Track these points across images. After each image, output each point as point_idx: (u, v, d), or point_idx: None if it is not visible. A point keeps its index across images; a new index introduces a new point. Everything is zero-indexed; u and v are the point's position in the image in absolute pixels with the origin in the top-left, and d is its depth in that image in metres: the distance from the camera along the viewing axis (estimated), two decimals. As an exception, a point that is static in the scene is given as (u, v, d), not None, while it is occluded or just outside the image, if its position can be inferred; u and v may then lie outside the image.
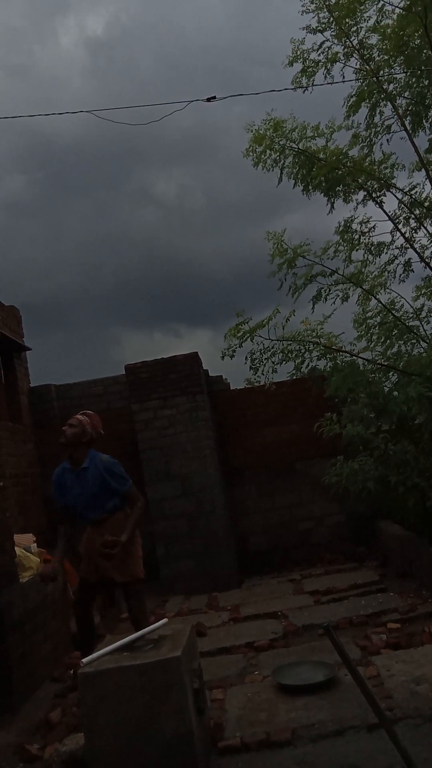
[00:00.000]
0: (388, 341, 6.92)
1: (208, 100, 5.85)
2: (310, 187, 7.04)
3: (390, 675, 3.89)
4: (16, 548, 4.83)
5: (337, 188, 6.92)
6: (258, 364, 6.84)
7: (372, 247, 7.28)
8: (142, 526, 4.77)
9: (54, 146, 41.58)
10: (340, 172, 6.75)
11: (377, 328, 6.96)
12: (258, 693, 4.00)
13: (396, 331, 6.85)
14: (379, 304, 7.08)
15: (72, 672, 4.62)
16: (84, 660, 3.18)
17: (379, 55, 6.83)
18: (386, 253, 7.32)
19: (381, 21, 6.76)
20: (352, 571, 7.09)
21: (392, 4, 6.71)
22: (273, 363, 6.82)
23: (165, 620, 3.74)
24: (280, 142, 6.98)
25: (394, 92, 6.87)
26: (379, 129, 6.83)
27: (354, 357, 6.76)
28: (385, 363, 6.78)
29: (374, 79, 6.51)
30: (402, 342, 6.91)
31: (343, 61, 6.90)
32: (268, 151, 7.00)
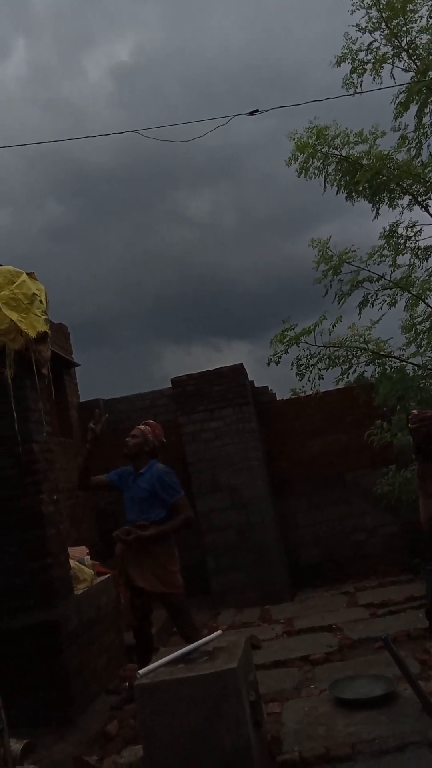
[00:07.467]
0: (439, 346, 6.77)
1: (252, 113, 5.91)
2: (354, 194, 6.97)
3: (452, 690, 3.75)
4: (70, 560, 4.87)
5: (382, 194, 6.82)
6: (304, 370, 6.79)
7: (419, 251, 7.15)
8: (176, 538, 4.57)
9: (89, 173, 42.62)
10: (384, 177, 6.66)
11: (427, 333, 6.82)
12: (315, 707, 3.92)
13: (447, 336, 6.70)
14: (428, 309, 6.94)
15: (127, 684, 4.63)
16: (140, 672, 3.18)
17: (428, 56, 6.70)
18: (434, 256, 7.19)
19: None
20: (408, 584, 6.90)
21: None
22: (319, 369, 6.77)
23: (219, 632, 3.71)
24: (323, 150, 6.94)
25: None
26: (426, 130, 6.70)
27: (404, 363, 6.63)
28: (436, 369, 6.64)
29: (423, 78, 6.38)
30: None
31: (392, 62, 6.80)
32: (311, 159, 6.96)
